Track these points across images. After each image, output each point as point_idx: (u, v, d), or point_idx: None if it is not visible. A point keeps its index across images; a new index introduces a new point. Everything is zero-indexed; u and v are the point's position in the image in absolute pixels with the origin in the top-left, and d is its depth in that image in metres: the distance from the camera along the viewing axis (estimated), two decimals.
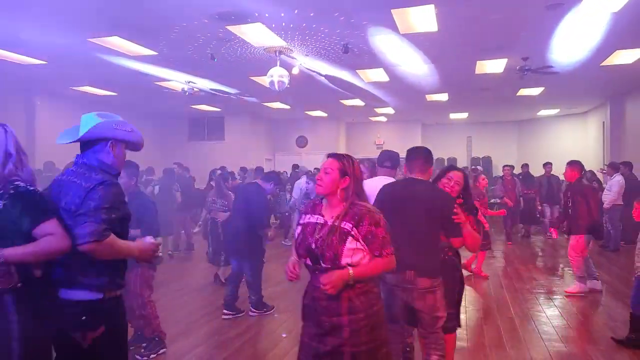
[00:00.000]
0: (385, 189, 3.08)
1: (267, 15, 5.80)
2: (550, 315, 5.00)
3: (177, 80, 9.49)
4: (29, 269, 1.87)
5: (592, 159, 13.61)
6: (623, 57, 8.01)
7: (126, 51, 7.27)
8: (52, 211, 1.92)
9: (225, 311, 4.98)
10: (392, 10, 5.66)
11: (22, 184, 1.91)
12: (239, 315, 4.99)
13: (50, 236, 1.85)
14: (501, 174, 11.10)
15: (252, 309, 5.07)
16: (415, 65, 8.51)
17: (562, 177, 9.26)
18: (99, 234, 1.91)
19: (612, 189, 8.29)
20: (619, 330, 4.31)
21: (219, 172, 8.71)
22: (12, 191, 1.87)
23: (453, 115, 15.76)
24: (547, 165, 10.54)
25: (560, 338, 4.30)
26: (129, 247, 2.11)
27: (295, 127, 16.37)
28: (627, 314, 4.74)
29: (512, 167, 10.67)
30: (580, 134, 15.35)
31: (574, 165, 5.75)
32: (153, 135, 14.39)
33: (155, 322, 3.94)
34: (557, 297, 5.66)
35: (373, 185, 3.11)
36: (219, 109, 13.69)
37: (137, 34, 6.57)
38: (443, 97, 11.80)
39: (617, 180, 8.33)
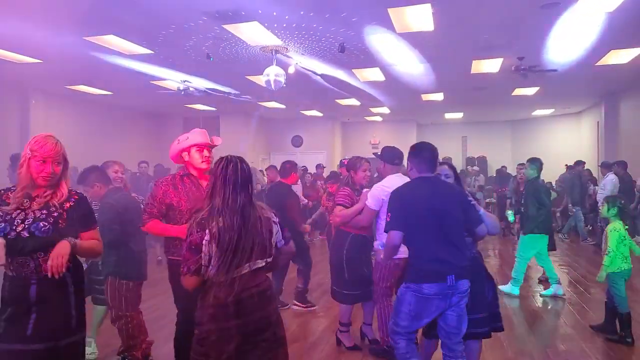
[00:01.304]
0: (417, 192, 2.75)
1: (262, 13, 5.79)
2: (548, 313, 5.02)
3: (172, 79, 9.46)
4: (77, 258, 2.34)
5: (587, 159, 13.66)
6: (618, 57, 8.06)
7: (122, 50, 7.23)
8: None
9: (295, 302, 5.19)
10: (389, 9, 5.67)
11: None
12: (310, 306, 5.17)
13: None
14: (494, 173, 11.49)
15: (296, 302, 5.22)
16: (411, 65, 8.53)
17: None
18: None
19: (606, 187, 8.35)
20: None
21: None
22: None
23: (448, 115, 15.81)
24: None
25: (559, 336, 4.32)
26: None
27: (291, 126, 16.37)
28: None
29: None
30: (574, 133, 15.44)
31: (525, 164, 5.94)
32: (148, 135, 14.36)
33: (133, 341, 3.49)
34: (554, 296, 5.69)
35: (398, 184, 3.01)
36: (214, 109, 13.65)
37: (133, 33, 6.53)
38: (438, 96, 11.83)
39: (610, 179, 8.38)
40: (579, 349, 4.00)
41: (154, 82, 9.74)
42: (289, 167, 5.29)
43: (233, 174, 2.15)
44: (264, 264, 2.20)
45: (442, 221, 2.64)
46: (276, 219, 2.30)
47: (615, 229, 4.10)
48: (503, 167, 13.67)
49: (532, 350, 4.00)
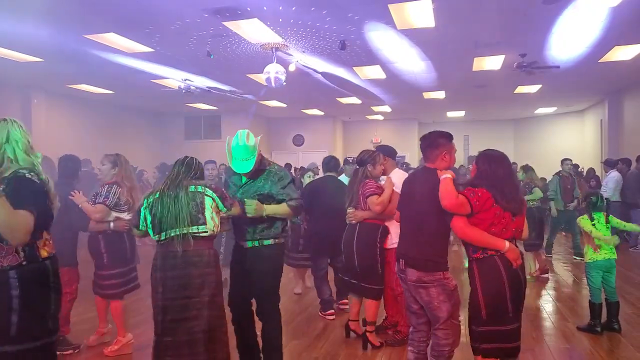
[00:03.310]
0: (404, 181, 3.10)
1: (263, 10, 5.76)
2: (549, 311, 4.98)
3: (173, 77, 9.44)
4: (34, 249, 2.06)
5: (590, 157, 13.62)
6: (622, 53, 7.99)
7: (122, 48, 7.21)
8: None
9: (329, 311, 4.82)
10: (389, 5, 5.62)
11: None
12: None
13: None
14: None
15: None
16: (412, 62, 8.48)
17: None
18: None
19: (608, 185, 8.29)
20: (624, 325, 4.29)
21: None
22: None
23: (450, 114, 15.74)
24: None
25: (560, 334, 4.28)
26: None
27: (292, 125, 16.34)
28: (627, 309, 4.74)
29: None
30: (577, 132, 15.35)
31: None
32: (149, 134, 14.36)
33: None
34: (556, 293, 5.64)
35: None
36: (215, 108, 13.64)
37: (133, 31, 6.51)
38: (440, 94, 11.77)
39: (612, 176, 8.32)
40: (581, 346, 3.96)
41: (155, 81, 9.73)
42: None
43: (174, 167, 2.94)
44: (196, 230, 2.72)
45: (407, 212, 2.94)
46: (214, 194, 2.82)
47: (584, 218, 4.30)
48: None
49: (534, 346, 3.96)
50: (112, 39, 6.74)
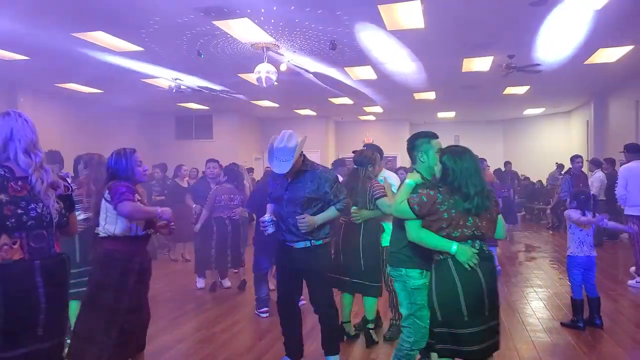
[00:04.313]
0: None
1: (253, 9, 5.79)
2: (535, 307, 5.06)
3: (164, 77, 9.43)
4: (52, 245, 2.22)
5: None
6: (606, 55, 8.13)
7: (111, 47, 7.20)
8: None
9: (263, 309, 4.87)
10: (379, 6, 5.68)
11: None
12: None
13: None
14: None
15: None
16: (402, 63, 8.56)
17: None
18: None
19: (593, 184, 8.40)
20: (606, 321, 4.38)
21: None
22: None
23: (441, 115, 15.87)
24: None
25: (545, 330, 4.36)
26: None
27: (284, 125, 16.24)
28: (610, 306, 4.85)
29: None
30: (564, 132, 15.57)
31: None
32: (139, 134, 14.28)
33: None
34: (541, 290, 5.74)
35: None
36: (207, 107, 13.62)
37: (122, 29, 6.51)
38: (430, 95, 11.87)
39: (598, 176, 8.43)
40: (564, 342, 4.04)
41: (145, 80, 9.70)
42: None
43: None
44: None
45: None
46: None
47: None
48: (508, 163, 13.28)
49: (517, 342, 4.03)
50: (100, 37, 6.73)
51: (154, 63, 8.36)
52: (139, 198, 2.93)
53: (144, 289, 3.00)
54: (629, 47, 7.68)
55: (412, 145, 2.87)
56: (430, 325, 2.60)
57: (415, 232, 2.54)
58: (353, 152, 4.40)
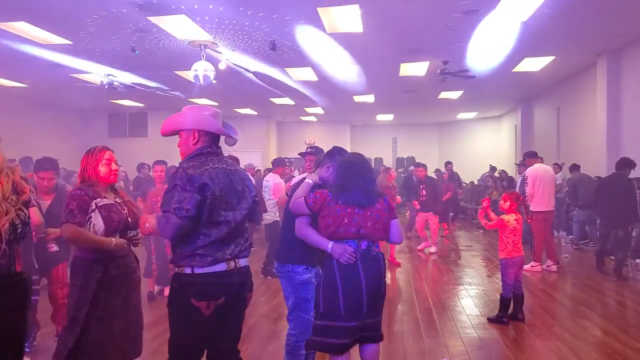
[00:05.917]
0: None
1: (190, 6, 5.64)
2: (465, 304, 5.29)
3: (95, 72, 8.96)
4: None
5: (505, 159, 14.64)
6: (531, 64, 8.68)
7: (36, 39, 6.75)
8: None
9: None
10: (318, 9, 5.72)
11: None
12: None
13: None
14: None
15: None
16: (342, 66, 8.67)
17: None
18: None
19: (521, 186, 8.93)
20: (528, 315, 4.66)
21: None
22: None
23: (379, 117, 16.25)
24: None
25: (473, 326, 4.57)
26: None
27: (224, 124, 16.04)
28: (530, 301, 5.15)
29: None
30: (495, 135, 16.47)
31: (422, 165, 8.40)
32: (70, 131, 13.48)
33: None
34: (471, 287, 6.01)
35: None
36: (142, 105, 13.11)
37: (47, 20, 6.12)
38: (370, 98, 12.12)
39: (523, 179, 8.98)
40: (490, 336, 4.26)
41: (75, 75, 9.18)
42: None
43: None
44: None
45: None
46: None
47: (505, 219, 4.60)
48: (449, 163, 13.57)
49: (447, 338, 4.19)
50: (23, 28, 6.30)
51: (84, 57, 7.92)
52: (125, 208, 2.79)
53: (119, 299, 2.66)
54: (551, 58, 8.24)
55: (328, 156, 3.02)
56: (314, 319, 2.71)
57: (302, 228, 2.73)
58: (299, 154, 4.36)
